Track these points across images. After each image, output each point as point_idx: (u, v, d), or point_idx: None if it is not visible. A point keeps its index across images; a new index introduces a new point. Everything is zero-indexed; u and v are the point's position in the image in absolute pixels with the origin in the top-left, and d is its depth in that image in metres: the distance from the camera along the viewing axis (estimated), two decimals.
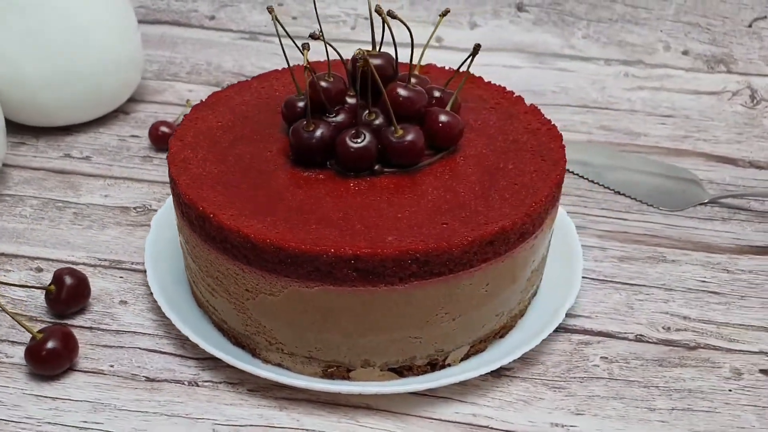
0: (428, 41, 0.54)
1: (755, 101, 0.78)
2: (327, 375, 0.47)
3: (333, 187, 0.47)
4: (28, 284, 0.54)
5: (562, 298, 0.52)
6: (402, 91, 0.49)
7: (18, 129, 0.73)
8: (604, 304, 0.55)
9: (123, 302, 0.54)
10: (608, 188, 0.68)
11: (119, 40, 0.72)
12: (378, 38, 0.51)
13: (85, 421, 0.46)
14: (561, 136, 0.53)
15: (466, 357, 0.49)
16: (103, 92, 0.72)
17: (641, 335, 0.53)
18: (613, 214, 0.64)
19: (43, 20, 0.67)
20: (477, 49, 0.50)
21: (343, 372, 0.47)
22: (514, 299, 0.49)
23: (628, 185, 0.67)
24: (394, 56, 0.51)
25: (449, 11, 0.54)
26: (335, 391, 0.46)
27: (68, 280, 0.52)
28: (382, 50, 0.51)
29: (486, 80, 0.60)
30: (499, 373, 0.49)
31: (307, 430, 0.45)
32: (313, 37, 0.48)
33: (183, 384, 0.48)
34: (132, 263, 0.58)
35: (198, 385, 0.48)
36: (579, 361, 0.51)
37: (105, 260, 0.58)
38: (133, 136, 0.73)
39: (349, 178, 0.48)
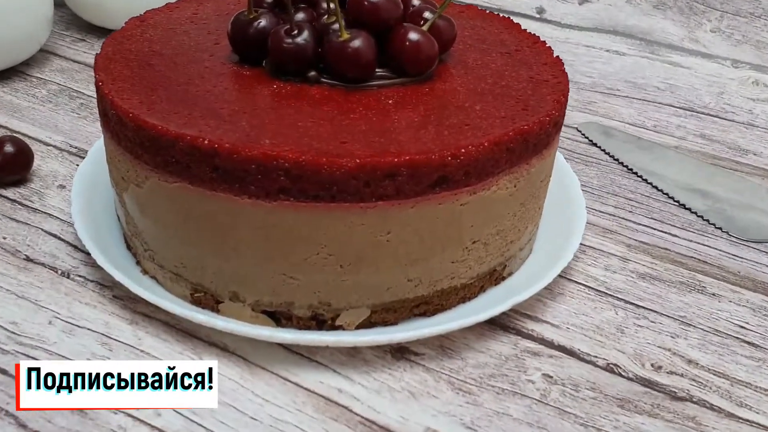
0: None
1: None
2: (195, 301, 0.40)
3: (251, 84, 0.40)
4: None
5: (520, 293, 0.41)
6: None
7: (85, 27, 0.73)
8: (585, 318, 0.43)
9: (61, 186, 0.51)
10: (672, 198, 0.54)
11: None
12: None
13: None
14: (567, 91, 0.42)
15: (368, 325, 0.39)
16: None
17: (616, 365, 0.40)
18: (661, 227, 0.51)
19: None
20: None
21: (211, 302, 0.40)
22: (439, 268, 0.39)
23: (698, 200, 0.53)
24: None
25: None
26: (187, 317, 0.38)
27: (8, 147, 0.49)
28: None
29: (523, 27, 0.49)
30: (402, 355, 0.39)
31: (142, 351, 0.38)
32: None
33: (55, 272, 0.43)
34: None
35: (68, 277, 0.43)
36: (512, 370, 0.39)
37: (74, 147, 0.55)
38: None
39: (277, 80, 0.40)
